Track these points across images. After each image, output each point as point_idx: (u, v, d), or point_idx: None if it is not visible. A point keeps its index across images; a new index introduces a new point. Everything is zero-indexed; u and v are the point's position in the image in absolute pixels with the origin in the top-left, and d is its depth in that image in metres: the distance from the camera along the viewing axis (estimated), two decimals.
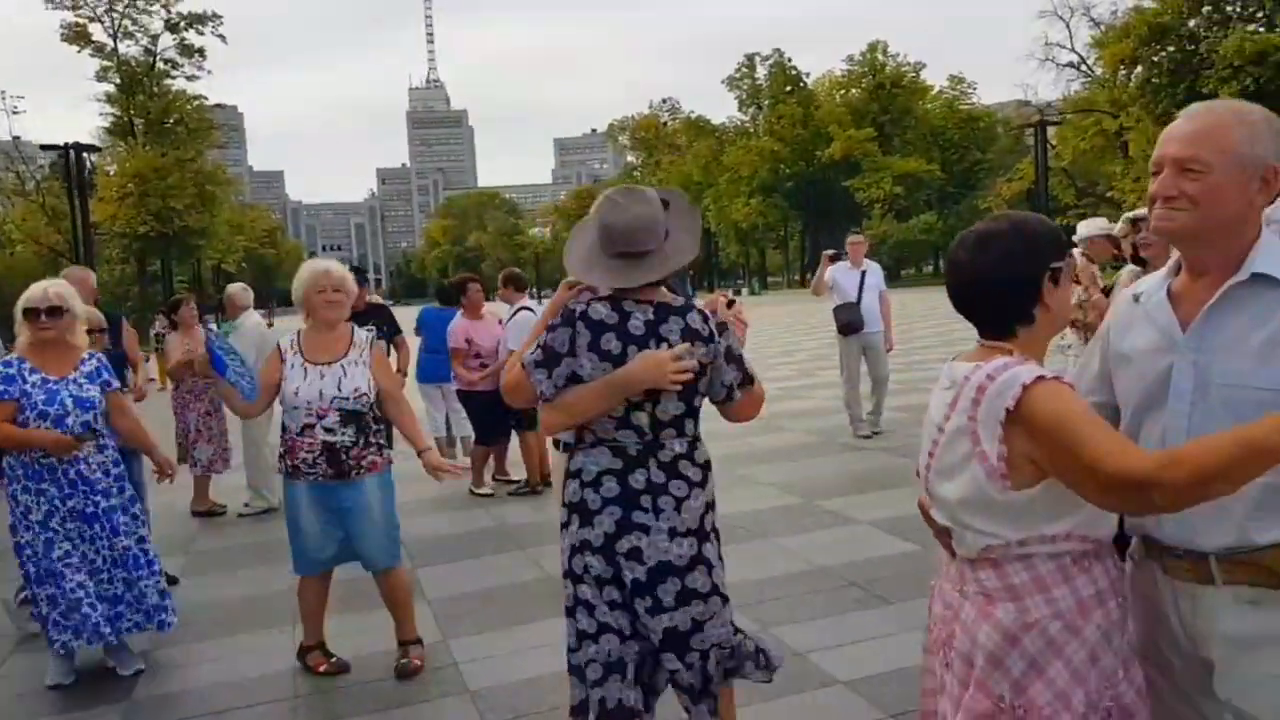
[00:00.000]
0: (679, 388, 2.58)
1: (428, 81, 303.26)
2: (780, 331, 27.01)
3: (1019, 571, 1.85)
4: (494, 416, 8.01)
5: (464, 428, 8.51)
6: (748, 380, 2.74)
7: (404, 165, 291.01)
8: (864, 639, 4.36)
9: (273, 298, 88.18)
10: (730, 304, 2.86)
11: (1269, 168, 1.76)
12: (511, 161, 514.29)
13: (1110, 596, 1.86)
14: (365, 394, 4.23)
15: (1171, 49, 44.37)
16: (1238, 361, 1.74)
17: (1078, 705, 1.81)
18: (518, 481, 8.28)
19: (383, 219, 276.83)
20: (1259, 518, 1.74)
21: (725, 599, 2.73)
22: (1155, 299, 1.92)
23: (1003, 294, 1.89)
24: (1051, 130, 55.32)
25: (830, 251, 9.68)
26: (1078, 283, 8.60)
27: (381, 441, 4.34)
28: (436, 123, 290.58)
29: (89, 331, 5.24)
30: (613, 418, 2.62)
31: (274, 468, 8.08)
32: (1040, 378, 1.77)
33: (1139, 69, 45.20)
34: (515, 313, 7.68)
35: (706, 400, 2.75)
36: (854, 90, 76.56)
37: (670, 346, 2.59)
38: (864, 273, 9.31)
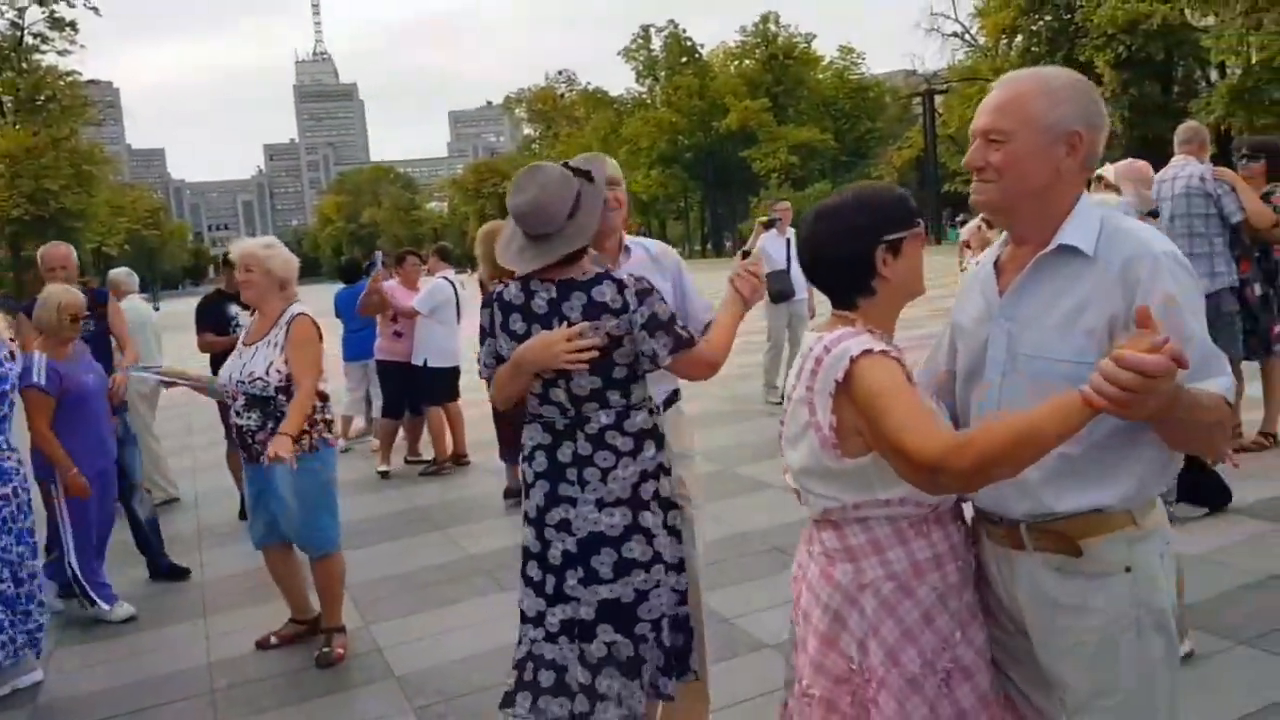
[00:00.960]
0: (581, 366, 2.53)
1: (315, 54, 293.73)
2: None
3: (857, 534, 1.89)
4: (401, 390, 7.97)
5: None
6: (682, 345, 2.62)
7: (292, 141, 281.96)
8: (789, 602, 4.40)
9: (157, 280, 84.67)
10: (745, 255, 2.84)
11: (1072, 132, 1.73)
12: (405, 135, 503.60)
13: (949, 560, 1.88)
14: (261, 378, 4.04)
15: (1049, 18, 45.87)
16: (1041, 333, 1.76)
17: (908, 663, 1.84)
18: (428, 462, 8.17)
19: (272, 196, 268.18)
20: (1053, 487, 1.77)
21: (671, 567, 2.67)
22: (985, 269, 1.93)
23: (838, 266, 1.91)
24: (938, 99, 56.74)
25: (764, 219, 9.55)
26: (969, 247, 8.82)
27: (303, 427, 4.08)
28: (325, 96, 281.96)
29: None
30: (535, 394, 2.65)
31: (164, 457, 7.95)
32: (867, 351, 1.78)
33: (1019, 38, 46.59)
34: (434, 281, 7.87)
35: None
36: (748, 61, 76.98)
37: (570, 324, 2.55)
38: (788, 240, 9.16)
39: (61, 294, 4.88)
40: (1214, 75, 42.14)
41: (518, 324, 2.62)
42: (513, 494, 6.57)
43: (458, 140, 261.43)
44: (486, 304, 2.70)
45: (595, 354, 2.54)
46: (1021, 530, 1.82)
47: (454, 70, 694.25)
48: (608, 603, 2.61)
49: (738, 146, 70.77)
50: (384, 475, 7.91)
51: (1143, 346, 1.41)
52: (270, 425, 4.04)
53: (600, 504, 2.60)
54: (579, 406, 2.61)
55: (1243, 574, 4.31)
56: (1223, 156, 8.19)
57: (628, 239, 3.11)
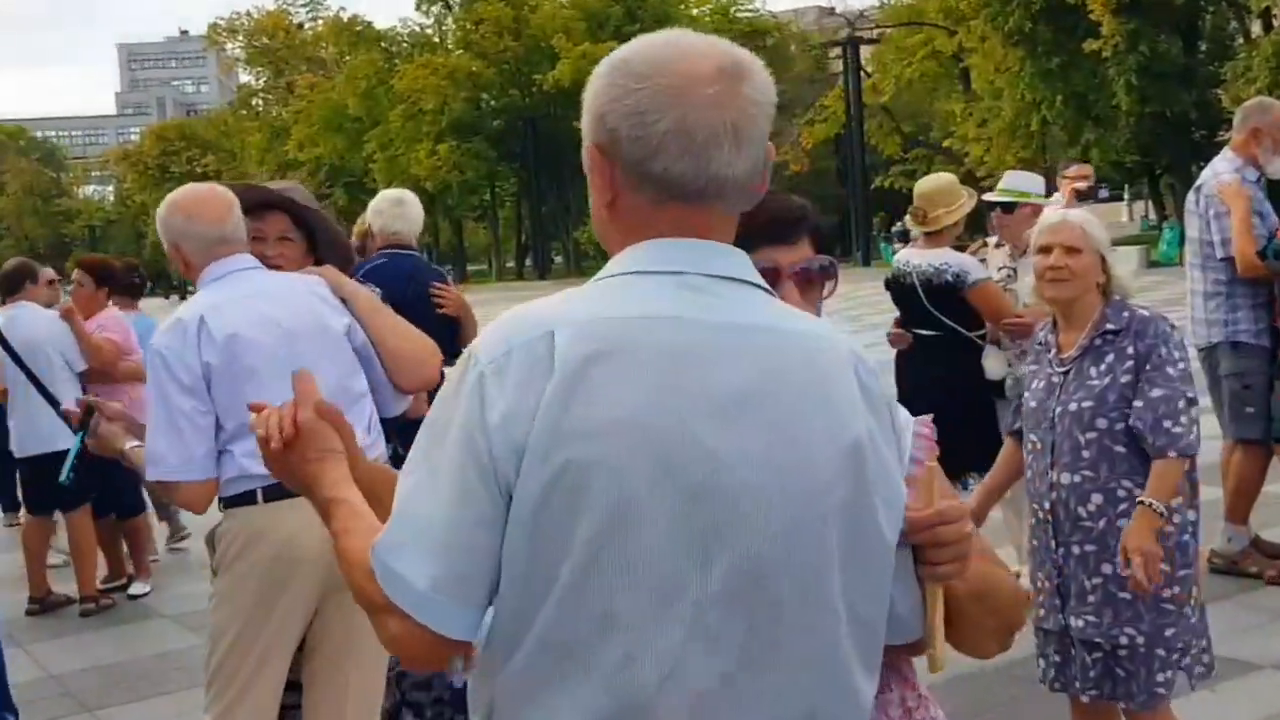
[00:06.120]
0: None
1: None
2: None
3: None
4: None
5: None
6: None
7: None
8: None
9: None
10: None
11: (585, 149, 1.82)
12: (48, 80, 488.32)
13: None
14: None
15: None
16: None
17: None
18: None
19: None
20: None
21: None
22: None
23: None
24: (866, 51, 58.97)
25: (1082, 184, 9.25)
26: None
27: None
28: None
29: None
30: None
31: None
32: None
33: None
34: None
35: None
36: None
37: None
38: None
39: None
40: (1255, 28, 45.10)
41: None
42: None
43: (133, 90, 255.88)
44: None
45: None
46: None
47: None
48: None
49: (572, 112, 70.85)
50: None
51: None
52: None
53: None
54: None
55: None
56: None
57: None
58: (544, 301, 1.73)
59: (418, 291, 5.87)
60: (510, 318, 1.70)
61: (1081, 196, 9.24)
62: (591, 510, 1.58)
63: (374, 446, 3.83)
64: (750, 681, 1.65)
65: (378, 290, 4.40)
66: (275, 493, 3.65)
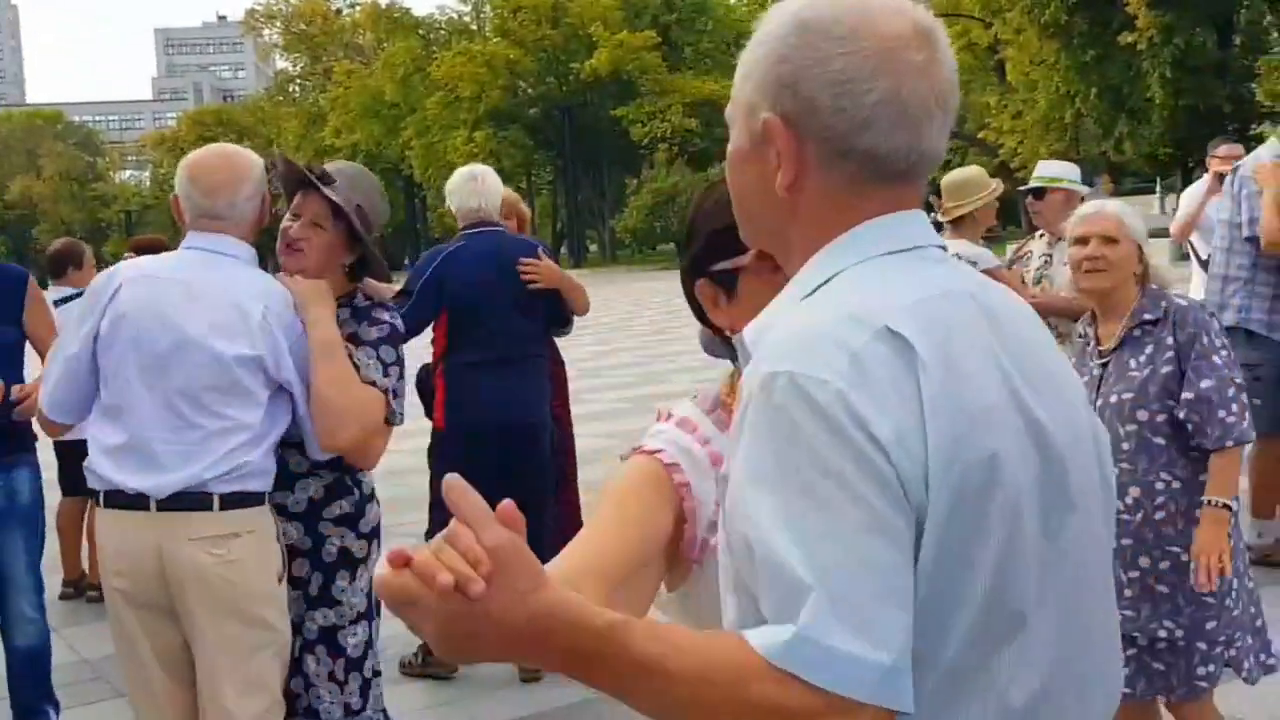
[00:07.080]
0: None
1: None
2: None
3: None
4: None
5: None
6: None
7: None
8: None
9: None
10: None
11: (758, 121, 1.55)
12: (85, 65, 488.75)
13: None
14: None
15: None
16: None
17: None
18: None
19: None
20: None
21: None
22: None
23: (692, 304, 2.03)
24: None
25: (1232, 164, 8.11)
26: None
27: None
28: None
29: None
30: None
31: None
32: (637, 450, 1.91)
33: None
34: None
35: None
36: None
37: None
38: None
39: None
40: None
41: None
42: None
43: (170, 75, 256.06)
44: None
45: None
46: None
47: None
48: None
49: (608, 101, 71.39)
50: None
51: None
52: None
53: None
54: None
55: None
56: None
57: None
58: (827, 304, 1.46)
59: (503, 267, 5.81)
60: (810, 325, 1.43)
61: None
62: (997, 513, 1.38)
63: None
64: (1081, 669, 1.53)
65: (394, 321, 4.05)
66: (111, 500, 3.59)
